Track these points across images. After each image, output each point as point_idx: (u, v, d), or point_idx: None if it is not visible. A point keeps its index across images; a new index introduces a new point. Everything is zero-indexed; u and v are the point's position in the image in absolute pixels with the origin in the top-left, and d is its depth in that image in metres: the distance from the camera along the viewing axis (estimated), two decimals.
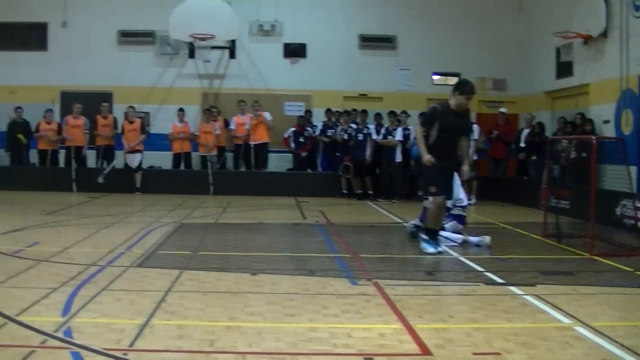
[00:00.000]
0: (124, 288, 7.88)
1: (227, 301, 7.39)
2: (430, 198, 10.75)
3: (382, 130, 20.55)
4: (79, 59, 23.39)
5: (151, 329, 6.26)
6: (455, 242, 11.53)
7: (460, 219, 12.26)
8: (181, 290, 7.84)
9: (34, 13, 23.62)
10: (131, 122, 21.18)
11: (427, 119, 10.84)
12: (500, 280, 8.74)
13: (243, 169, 21.90)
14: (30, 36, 23.85)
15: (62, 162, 21.76)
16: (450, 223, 11.95)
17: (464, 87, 10.54)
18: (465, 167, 10.81)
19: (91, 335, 5.95)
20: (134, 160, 21.08)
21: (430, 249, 10.61)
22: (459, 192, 12.16)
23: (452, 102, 10.55)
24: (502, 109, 21.77)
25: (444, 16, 23.87)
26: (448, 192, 11.02)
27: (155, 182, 21.07)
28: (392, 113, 20.79)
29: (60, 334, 5.93)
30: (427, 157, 10.46)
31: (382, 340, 6.07)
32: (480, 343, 6.05)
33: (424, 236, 10.95)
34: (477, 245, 11.50)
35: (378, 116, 21.04)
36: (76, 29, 23.61)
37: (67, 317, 6.46)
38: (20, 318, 6.34)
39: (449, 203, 11.61)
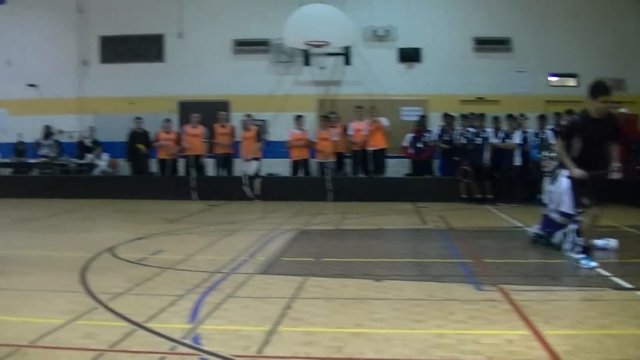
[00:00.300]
0: (249, 295, 7.83)
1: (352, 308, 7.25)
2: (582, 211, 10.14)
3: (501, 134, 20.15)
4: (195, 69, 23.73)
5: (278, 335, 6.18)
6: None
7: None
8: (306, 297, 7.73)
9: (151, 25, 24.11)
10: (248, 130, 21.29)
11: (566, 133, 10.32)
12: (628, 285, 8.33)
13: (361, 175, 21.77)
14: (147, 48, 24.32)
15: (181, 171, 22.07)
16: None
17: (594, 91, 9.95)
18: (615, 174, 10.18)
19: (219, 342, 5.91)
20: (251, 168, 21.18)
21: (592, 264, 10.00)
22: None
23: (591, 109, 9.99)
24: (623, 110, 21.03)
25: (559, 15, 23.19)
26: (599, 200, 10.40)
27: (274, 190, 21.10)
28: (510, 116, 20.37)
29: (188, 341, 5.90)
30: (577, 172, 9.82)
31: (510, 347, 5.87)
32: (612, 350, 5.76)
33: (578, 252, 10.33)
34: (603, 248, 11.03)
35: (496, 119, 20.62)
36: (192, 40, 23.95)
37: (194, 324, 6.44)
38: (148, 325, 6.35)
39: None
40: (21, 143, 24.34)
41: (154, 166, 22.70)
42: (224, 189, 21.27)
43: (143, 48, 24.23)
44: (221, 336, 6.09)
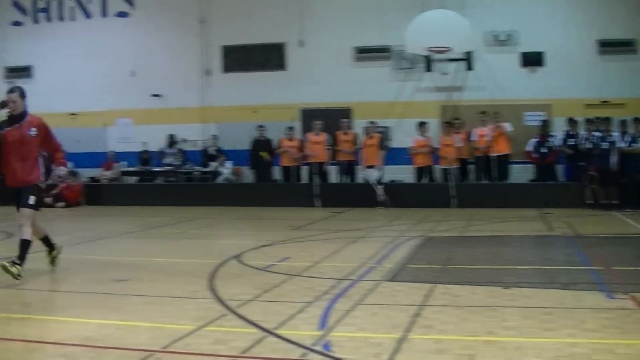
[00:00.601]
0: (378, 302, 7.72)
1: (482, 315, 7.05)
2: None
3: (627, 138, 19.52)
4: (317, 77, 23.77)
5: (409, 343, 6.06)
6: None
7: None
8: (435, 304, 7.58)
9: (272, 34, 24.28)
10: (371, 138, 21.21)
11: None
12: None
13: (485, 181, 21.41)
14: (269, 57, 24.50)
15: (304, 178, 22.16)
16: None
17: None
18: None
19: (350, 349, 5.81)
20: (372, 175, 21.08)
21: None
22: None
23: None
24: None
25: None
26: None
27: (397, 196, 20.91)
28: (637, 120, 19.70)
29: (319, 348, 5.81)
30: None
31: None
32: None
33: None
34: None
35: (623, 123, 19.98)
36: (313, 48, 24.01)
37: (324, 331, 6.36)
38: (278, 331, 6.30)
39: None
40: (146, 152, 24.90)
41: (277, 174, 22.89)
42: (347, 196, 21.27)
43: (265, 57, 24.43)
44: (351, 343, 5.99)
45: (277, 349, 5.78)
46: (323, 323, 6.66)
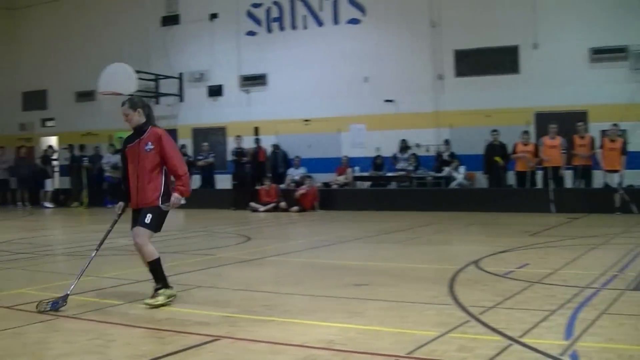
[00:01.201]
0: (624, 312, 7.40)
1: None
2: None
3: None
4: (551, 80, 23.22)
5: None
6: None
7: None
8: None
9: (505, 37, 23.98)
10: (613, 141, 20.44)
11: None
12: None
13: None
14: (502, 60, 24.19)
15: (539, 183, 21.73)
16: None
17: None
18: None
19: None
20: (614, 180, 20.35)
21: None
22: None
23: None
24: None
25: None
26: None
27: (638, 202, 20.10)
28: None
29: (567, 358, 5.65)
30: None
31: None
32: None
33: None
34: None
35: None
36: (547, 50, 23.46)
37: (570, 341, 6.17)
38: (523, 340, 6.19)
39: None
40: (379, 157, 25.21)
41: (511, 178, 22.55)
42: (583, 201, 20.67)
43: (498, 60, 24.15)
44: (600, 355, 5.76)
45: (524, 358, 5.68)
46: (569, 332, 6.48)
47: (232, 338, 6.58)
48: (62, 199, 30.11)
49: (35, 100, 34.11)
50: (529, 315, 7.18)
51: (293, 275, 10.43)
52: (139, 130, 8.38)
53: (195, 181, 26.20)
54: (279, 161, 26.74)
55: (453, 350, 5.93)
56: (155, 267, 8.25)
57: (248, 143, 26.75)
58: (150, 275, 8.33)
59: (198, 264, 11.74)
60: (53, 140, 33.40)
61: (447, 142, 24.06)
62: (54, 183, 30.51)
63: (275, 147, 26.96)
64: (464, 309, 7.56)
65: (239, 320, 7.38)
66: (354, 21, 26.45)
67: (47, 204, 29.39)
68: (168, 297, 8.19)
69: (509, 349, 5.93)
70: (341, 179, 25.41)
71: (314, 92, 26.76)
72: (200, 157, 27.35)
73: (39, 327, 7.15)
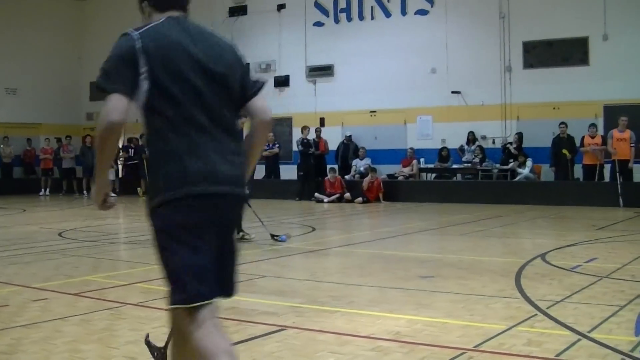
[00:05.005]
0: None
1: None
2: None
3: None
4: (620, 72, 22.83)
5: None
6: None
7: None
8: None
9: (574, 29, 23.65)
10: None
11: None
12: None
13: None
14: (571, 52, 23.87)
15: (607, 177, 21.42)
16: None
17: None
18: None
19: None
20: None
21: None
22: None
23: None
24: None
25: None
26: None
27: None
28: None
29: (637, 354, 5.58)
30: None
31: None
32: None
33: None
34: None
35: None
36: (617, 42, 23.07)
37: None
38: (592, 335, 6.12)
39: None
40: (445, 149, 25.09)
41: (578, 172, 22.27)
42: None
43: (567, 52, 23.84)
44: None
45: (593, 354, 5.60)
46: (639, 328, 6.40)
47: (299, 328, 6.60)
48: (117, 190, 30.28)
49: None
50: (597, 310, 7.11)
51: (359, 266, 10.44)
52: None
53: (260, 171, 26.35)
54: (350, 152, 26.70)
55: (521, 344, 5.89)
56: None
57: (315, 134, 26.77)
58: None
59: (264, 253, 11.83)
60: None
61: (519, 136, 23.63)
62: (114, 173, 30.54)
63: (347, 138, 26.91)
64: (531, 302, 7.50)
65: (305, 310, 7.41)
66: (422, 12, 26.31)
67: (110, 194, 29.55)
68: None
69: (577, 344, 5.87)
70: (406, 170, 25.35)
71: (381, 83, 26.70)
72: (265, 148, 27.49)
73: (105, 314, 7.25)
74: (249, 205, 10.69)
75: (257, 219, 12.79)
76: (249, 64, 5.70)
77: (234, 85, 3.76)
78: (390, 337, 6.22)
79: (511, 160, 23.43)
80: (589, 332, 6.23)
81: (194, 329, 3.58)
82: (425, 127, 26.12)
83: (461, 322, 6.77)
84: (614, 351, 5.66)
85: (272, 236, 12.36)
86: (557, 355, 5.58)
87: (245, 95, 3.84)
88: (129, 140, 30.82)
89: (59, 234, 15.09)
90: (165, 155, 3.62)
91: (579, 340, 5.99)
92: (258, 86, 3.92)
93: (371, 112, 27.20)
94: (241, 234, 12.54)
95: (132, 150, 30.35)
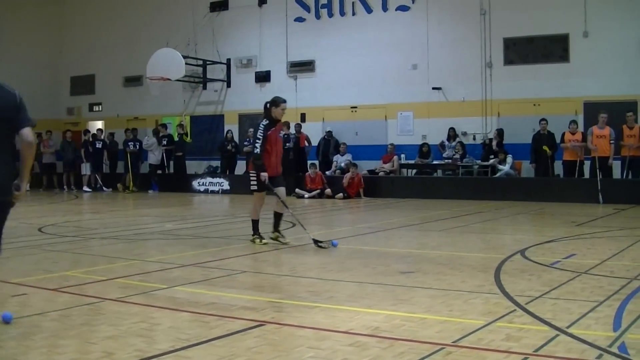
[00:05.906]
0: None
1: None
2: None
3: None
4: (600, 69, 22.98)
5: None
6: None
7: None
8: None
9: (555, 25, 23.76)
10: None
11: None
12: None
13: None
14: (551, 48, 23.97)
15: (587, 173, 21.52)
16: None
17: None
18: None
19: None
20: None
21: None
22: None
23: None
24: None
25: None
26: None
27: None
28: None
29: (615, 350, 5.60)
30: None
31: None
32: None
33: None
34: None
35: None
36: (597, 39, 23.18)
37: (618, 332, 6.11)
38: (571, 330, 6.15)
39: None
40: (426, 145, 25.13)
41: (558, 168, 22.37)
42: (632, 192, 20.44)
43: (547, 48, 23.96)
44: None
45: (571, 349, 5.62)
46: (617, 324, 6.42)
47: (278, 323, 6.60)
48: (98, 185, 30.18)
49: (82, 84, 34.46)
50: (576, 306, 7.14)
51: (339, 262, 10.42)
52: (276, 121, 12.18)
53: (241, 167, 26.30)
54: (331, 148, 26.68)
55: (500, 339, 5.91)
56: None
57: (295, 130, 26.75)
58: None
59: (244, 249, 11.84)
60: (99, 125, 33.66)
61: (500, 132, 23.68)
62: (87, 168, 30.33)
63: (328, 133, 26.91)
64: (510, 298, 7.53)
65: (284, 305, 7.42)
66: (403, 8, 26.33)
67: (85, 188, 29.56)
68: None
69: (556, 340, 5.89)
70: (387, 166, 25.37)
71: (362, 79, 26.75)
72: (245, 143, 27.43)
73: (84, 310, 7.23)
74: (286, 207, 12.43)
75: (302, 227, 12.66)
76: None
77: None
78: (369, 332, 6.22)
79: (492, 156, 23.51)
80: (567, 327, 6.25)
81: None
82: (406, 123, 26.17)
83: (440, 317, 6.77)
84: (592, 347, 5.67)
85: (316, 242, 11.84)
86: (536, 350, 5.60)
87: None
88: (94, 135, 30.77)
89: (39, 229, 15.07)
90: None
91: (557, 335, 6.01)
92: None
93: (352, 107, 27.23)
94: (275, 234, 12.49)
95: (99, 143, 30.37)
